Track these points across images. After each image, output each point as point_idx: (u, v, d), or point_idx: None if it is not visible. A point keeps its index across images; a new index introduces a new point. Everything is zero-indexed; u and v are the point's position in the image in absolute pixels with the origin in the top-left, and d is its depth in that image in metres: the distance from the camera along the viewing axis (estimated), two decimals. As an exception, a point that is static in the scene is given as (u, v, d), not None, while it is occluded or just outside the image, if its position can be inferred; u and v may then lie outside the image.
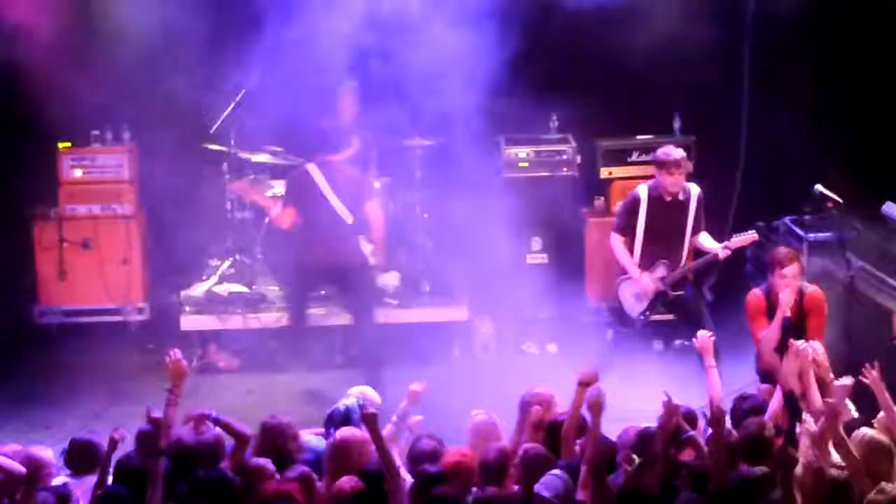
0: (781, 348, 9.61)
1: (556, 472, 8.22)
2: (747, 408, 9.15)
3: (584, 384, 8.68)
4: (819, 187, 11.73)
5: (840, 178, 12.08)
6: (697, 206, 11.74)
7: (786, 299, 10.42)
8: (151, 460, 8.30)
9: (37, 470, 8.57)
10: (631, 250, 11.81)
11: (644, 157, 13.45)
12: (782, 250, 10.74)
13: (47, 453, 8.82)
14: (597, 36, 12.89)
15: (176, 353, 8.82)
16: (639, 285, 11.74)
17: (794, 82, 13.46)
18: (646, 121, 13.63)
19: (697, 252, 11.89)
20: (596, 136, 13.61)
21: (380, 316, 12.57)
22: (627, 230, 11.81)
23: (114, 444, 8.49)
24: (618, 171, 13.53)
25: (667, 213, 11.69)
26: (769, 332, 10.41)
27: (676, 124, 13.56)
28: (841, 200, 11.64)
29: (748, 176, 13.79)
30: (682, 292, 11.71)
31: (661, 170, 11.65)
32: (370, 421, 8.28)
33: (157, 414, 8.49)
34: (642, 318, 11.84)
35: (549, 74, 13.10)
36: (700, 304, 11.92)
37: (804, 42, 13.45)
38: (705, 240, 11.76)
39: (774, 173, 13.38)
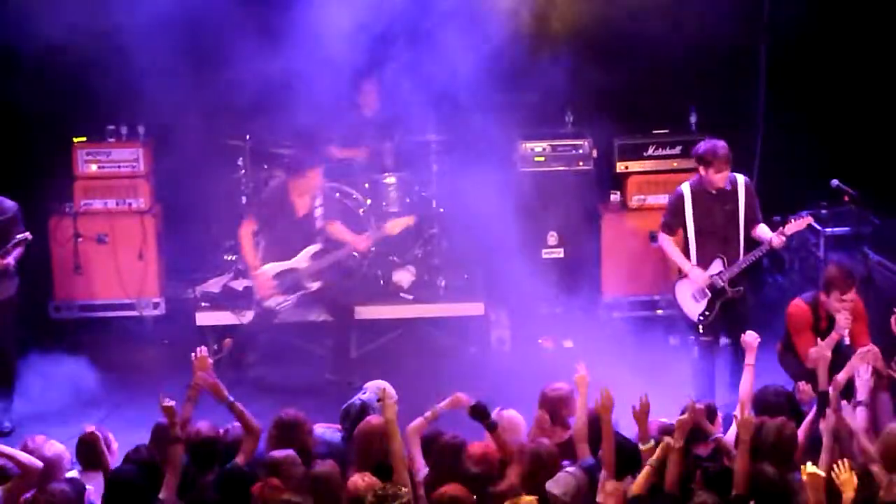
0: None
1: (571, 469, 8.19)
2: (773, 400, 9.09)
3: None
4: (836, 182, 11.68)
5: (856, 173, 12.05)
6: (747, 195, 11.23)
7: (843, 325, 10.18)
8: (169, 448, 8.33)
9: (51, 464, 8.60)
10: (687, 252, 11.30)
11: (660, 152, 13.43)
12: (840, 273, 10.36)
13: (59, 448, 8.83)
14: (614, 31, 12.88)
15: (202, 350, 8.95)
16: (692, 282, 11.23)
17: (810, 78, 13.43)
18: (662, 116, 13.58)
19: (754, 244, 11.41)
20: (612, 131, 13.56)
21: (395, 311, 12.60)
22: (676, 229, 11.35)
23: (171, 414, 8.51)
24: (634, 166, 13.49)
25: (716, 207, 11.22)
26: (821, 351, 9.97)
27: (692, 119, 13.52)
28: (857, 194, 11.59)
29: (764, 171, 13.76)
30: (740, 288, 11.18)
31: (710, 167, 11.12)
32: (389, 411, 8.29)
33: (170, 402, 8.50)
34: (702, 319, 11.21)
35: (566, 69, 13.04)
36: (748, 302, 11.45)
37: (820, 39, 13.41)
38: (763, 231, 11.23)
39: (790, 168, 13.36)
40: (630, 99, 13.46)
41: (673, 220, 11.34)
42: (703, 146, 11.24)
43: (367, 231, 12.59)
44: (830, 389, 8.66)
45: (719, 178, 11.14)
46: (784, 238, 11.04)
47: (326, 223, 12.32)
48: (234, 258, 13.55)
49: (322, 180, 12.35)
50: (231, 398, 8.71)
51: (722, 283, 11.12)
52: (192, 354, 8.96)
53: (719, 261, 11.17)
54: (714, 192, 11.20)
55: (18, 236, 11.35)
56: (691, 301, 11.24)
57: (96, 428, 9.05)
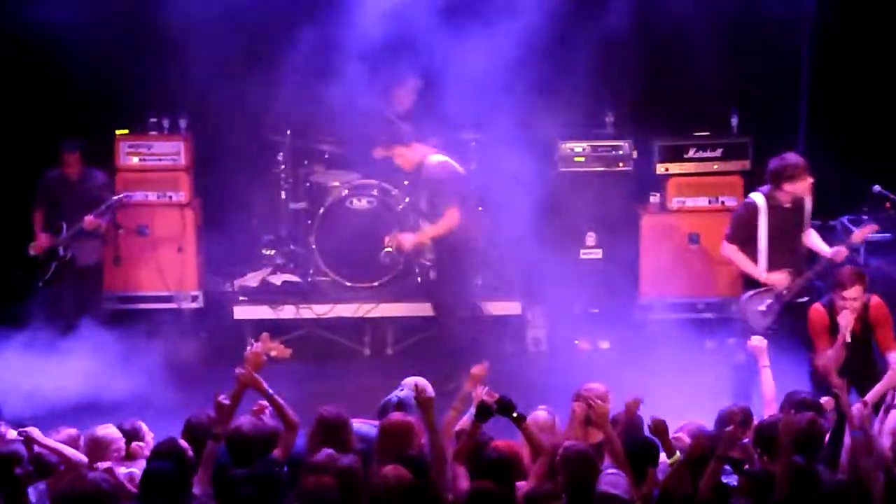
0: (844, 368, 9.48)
1: (613, 470, 8.18)
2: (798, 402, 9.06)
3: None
4: (877, 187, 11.61)
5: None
6: (811, 206, 11.15)
7: (844, 323, 10.11)
8: (209, 444, 8.37)
9: (103, 449, 8.64)
10: (755, 263, 11.12)
11: (701, 154, 13.38)
12: (845, 271, 10.30)
13: (111, 430, 8.87)
14: (656, 30, 12.84)
15: (258, 345, 8.96)
16: (766, 292, 11.02)
17: (853, 80, 13.35)
18: (703, 117, 13.53)
19: (810, 253, 11.28)
20: (653, 132, 13.52)
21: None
22: (745, 240, 11.16)
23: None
24: (674, 168, 13.44)
25: (787, 219, 11.10)
26: (832, 354, 10.05)
27: (734, 122, 13.47)
28: (900, 200, 11.53)
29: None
30: (807, 298, 10.95)
31: (794, 180, 10.95)
32: (426, 405, 8.30)
33: (226, 400, 8.55)
34: (770, 332, 10.86)
35: (608, 69, 13.02)
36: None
37: (863, 40, 13.33)
38: (815, 239, 11.15)
39: (832, 172, 13.26)
40: (671, 100, 13.41)
41: (743, 232, 11.18)
42: (779, 163, 11.09)
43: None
44: (859, 406, 8.60)
45: (804, 188, 11.03)
46: (848, 250, 10.94)
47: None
48: (272, 253, 13.59)
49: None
50: (271, 391, 8.74)
51: (790, 297, 11.02)
52: (248, 348, 8.97)
53: (787, 274, 11.03)
54: (788, 205, 11.10)
55: (114, 198, 12.72)
56: (759, 316, 11.10)
57: (132, 419, 9.10)
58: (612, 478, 8.05)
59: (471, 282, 12.70)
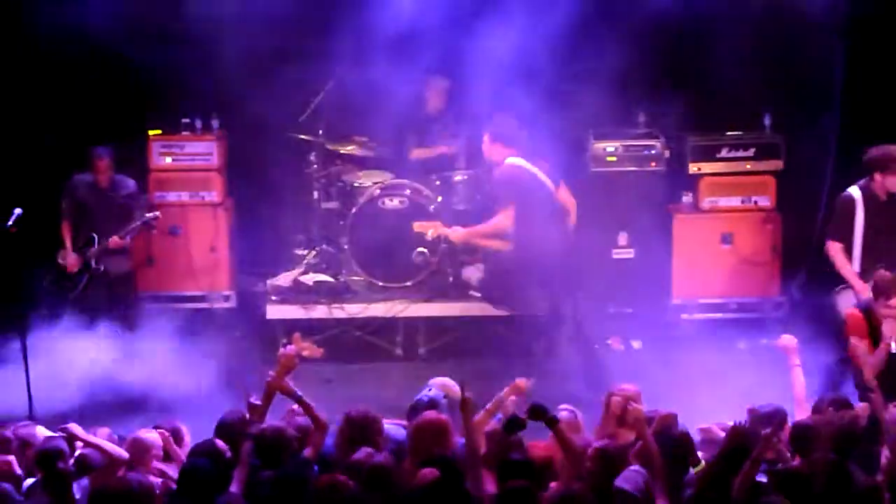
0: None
1: (635, 467, 8.16)
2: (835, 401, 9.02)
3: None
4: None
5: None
6: None
7: (889, 333, 9.94)
8: (244, 444, 8.44)
9: (143, 451, 8.69)
10: (849, 257, 11.03)
11: (733, 154, 13.34)
12: (886, 278, 10.13)
13: (152, 434, 8.91)
14: (688, 30, 12.81)
15: (291, 348, 9.02)
16: (860, 298, 10.77)
17: (889, 77, 13.27)
18: (736, 117, 13.49)
19: None
20: (685, 132, 13.48)
21: (464, 309, 12.62)
22: (844, 236, 11.06)
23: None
24: (707, 167, 13.40)
25: (885, 213, 11.00)
26: (873, 361, 9.84)
27: (767, 121, 13.42)
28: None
29: (840, 174, 13.60)
30: None
31: (887, 171, 10.88)
32: (468, 405, 8.30)
33: (257, 401, 8.64)
34: None
35: (639, 68, 12.99)
36: None
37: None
38: None
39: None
40: (703, 99, 13.37)
41: (842, 226, 11.08)
42: (875, 151, 11.02)
43: None
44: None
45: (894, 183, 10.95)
46: None
47: None
48: (304, 252, 13.62)
49: None
50: (299, 393, 8.76)
51: None
52: (281, 349, 9.02)
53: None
54: (885, 198, 11.02)
55: (148, 215, 12.58)
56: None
57: (169, 420, 9.14)
58: (629, 474, 8.05)
59: (523, 294, 12.36)
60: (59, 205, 12.68)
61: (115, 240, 12.46)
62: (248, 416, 8.66)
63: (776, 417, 8.68)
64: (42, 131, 13.22)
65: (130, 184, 12.73)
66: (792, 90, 13.39)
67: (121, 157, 12.92)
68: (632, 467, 8.18)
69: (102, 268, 12.54)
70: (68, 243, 12.59)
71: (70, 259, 12.52)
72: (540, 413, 8.37)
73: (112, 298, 12.69)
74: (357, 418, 8.72)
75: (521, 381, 8.94)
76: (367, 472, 8.06)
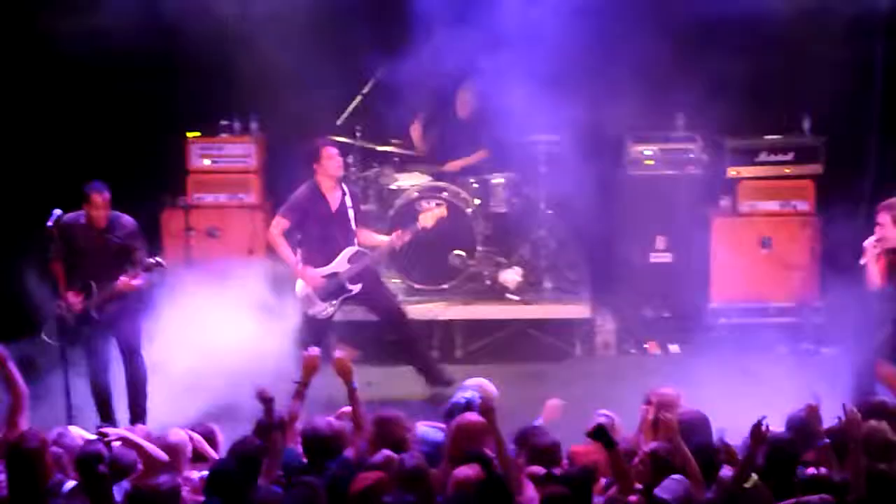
0: None
1: (677, 476, 8.13)
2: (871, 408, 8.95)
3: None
4: None
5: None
6: None
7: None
8: (271, 436, 8.51)
9: (176, 454, 8.73)
10: None
11: (772, 158, 13.29)
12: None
13: (182, 435, 8.94)
14: (727, 33, 12.76)
15: (313, 350, 9.10)
16: None
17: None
18: (775, 120, 13.44)
19: None
20: (723, 135, 13.43)
21: (501, 312, 12.62)
22: None
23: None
24: (745, 171, 13.35)
25: None
26: None
27: (806, 125, 13.36)
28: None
29: (879, 177, 13.54)
30: None
31: None
32: (489, 415, 8.30)
33: (269, 394, 8.68)
34: None
35: (678, 71, 12.95)
36: None
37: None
38: None
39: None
40: (742, 103, 13.31)
41: None
42: None
43: (404, 228, 12.19)
44: None
45: None
46: None
47: (357, 230, 12.04)
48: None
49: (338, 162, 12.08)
50: (355, 385, 8.86)
51: None
52: (303, 353, 9.06)
53: None
54: None
55: (151, 261, 11.03)
56: None
57: (201, 422, 9.17)
58: (669, 483, 8.02)
59: None
60: (48, 247, 10.97)
61: (124, 280, 10.90)
62: (267, 410, 8.70)
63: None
64: (79, 136, 13.27)
65: (128, 222, 11.15)
66: (831, 93, 13.30)
67: (161, 159, 12.95)
68: (673, 476, 8.15)
69: (104, 318, 11.08)
70: (63, 289, 11.02)
71: (71, 302, 10.99)
72: (601, 435, 8.31)
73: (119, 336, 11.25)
74: (386, 420, 8.73)
75: (551, 404, 8.95)
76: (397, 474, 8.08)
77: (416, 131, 13.62)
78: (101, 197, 10.98)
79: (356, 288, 11.96)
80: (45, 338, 11.09)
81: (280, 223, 11.97)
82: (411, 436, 8.78)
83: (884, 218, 10.42)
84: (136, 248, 11.08)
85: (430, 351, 12.72)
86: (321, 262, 11.92)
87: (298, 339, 11.58)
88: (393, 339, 12.34)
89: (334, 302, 11.95)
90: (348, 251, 11.96)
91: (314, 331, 11.84)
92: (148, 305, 11.38)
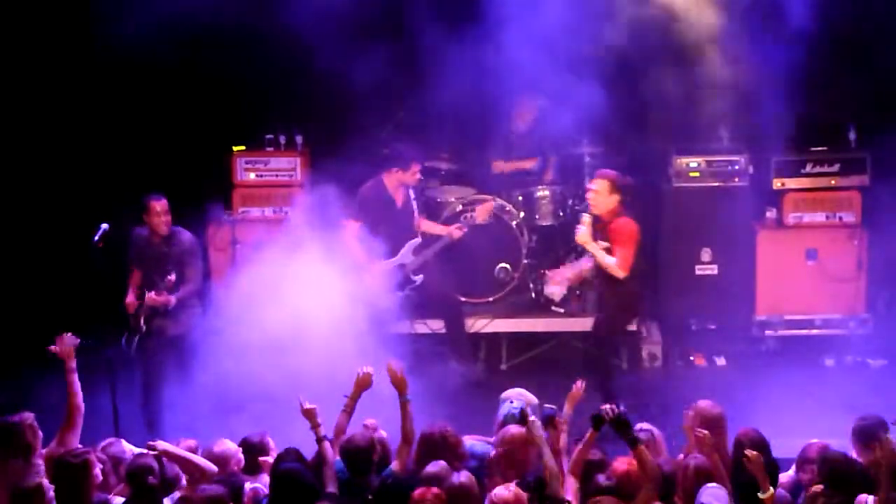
0: None
1: (714, 485, 8.13)
2: None
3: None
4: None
5: None
6: None
7: None
8: (319, 446, 8.66)
9: (222, 464, 8.79)
10: None
11: (818, 169, 13.25)
12: None
13: (228, 445, 9.01)
14: (771, 44, 12.73)
15: (367, 369, 9.17)
16: None
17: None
18: (820, 132, 13.39)
19: None
20: (769, 147, 13.39)
21: (546, 324, 12.66)
22: None
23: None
24: (791, 183, 13.31)
25: None
26: None
27: (851, 136, 13.31)
28: None
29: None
30: None
31: None
32: (532, 428, 8.33)
33: (310, 405, 8.81)
34: None
35: (722, 83, 12.92)
36: None
37: None
38: None
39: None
40: (788, 115, 13.26)
41: None
42: None
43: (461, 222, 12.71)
44: None
45: None
46: None
47: (418, 220, 12.56)
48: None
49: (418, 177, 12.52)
50: (408, 397, 8.94)
51: None
52: (358, 372, 9.13)
53: None
54: None
55: (190, 287, 11.44)
56: None
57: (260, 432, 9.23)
58: (713, 490, 8.01)
59: None
60: (93, 261, 11.07)
61: (150, 296, 11.28)
62: (312, 423, 8.80)
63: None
64: (127, 150, 13.36)
65: (187, 238, 11.65)
66: (877, 103, 13.26)
67: (207, 173, 13.02)
68: (711, 485, 8.15)
69: (145, 328, 11.37)
70: (130, 295, 11.50)
71: (129, 302, 11.45)
72: (623, 427, 8.31)
73: (167, 360, 11.47)
74: (432, 435, 8.76)
75: (574, 391, 9.10)
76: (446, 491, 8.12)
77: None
78: (159, 204, 11.46)
79: (419, 279, 12.36)
80: (125, 347, 11.37)
81: (352, 227, 12.22)
82: (461, 450, 8.79)
83: None
84: (188, 263, 11.48)
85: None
86: (388, 256, 12.30)
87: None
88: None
89: (400, 293, 12.22)
90: (412, 243, 12.39)
91: (383, 323, 11.93)
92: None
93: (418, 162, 12.44)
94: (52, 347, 9.34)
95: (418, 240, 12.44)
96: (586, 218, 11.29)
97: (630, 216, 11.26)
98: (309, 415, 8.78)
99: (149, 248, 11.56)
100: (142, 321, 11.39)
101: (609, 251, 11.14)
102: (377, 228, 12.27)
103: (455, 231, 12.52)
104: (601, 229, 11.23)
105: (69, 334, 9.37)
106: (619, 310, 11.44)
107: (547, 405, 9.01)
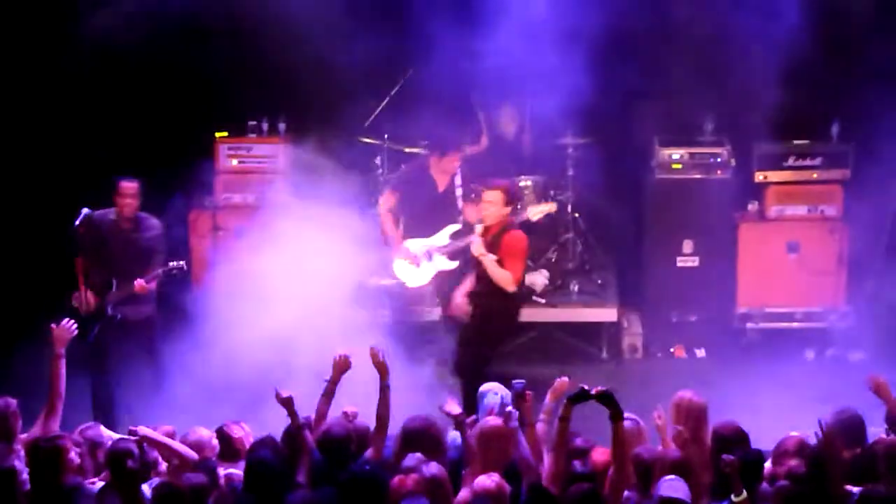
0: None
1: (672, 477, 8.13)
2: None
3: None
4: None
5: None
6: None
7: None
8: (297, 436, 8.62)
9: (198, 451, 8.79)
10: None
11: (800, 162, 13.27)
12: None
13: (202, 433, 9.04)
14: (756, 39, 12.74)
15: (346, 353, 9.15)
16: None
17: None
18: (803, 125, 13.41)
19: None
20: (751, 140, 13.41)
21: (528, 314, 12.66)
22: None
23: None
24: (773, 176, 13.33)
25: None
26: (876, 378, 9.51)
27: (834, 130, 13.33)
28: None
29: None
30: None
31: None
32: (509, 420, 8.35)
33: (287, 393, 8.72)
34: None
35: (706, 75, 12.94)
36: None
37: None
38: None
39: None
40: (771, 107, 13.28)
41: None
42: None
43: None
44: None
45: None
46: None
47: (463, 205, 12.32)
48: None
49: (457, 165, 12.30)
50: (388, 383, 8.96)
51: None
52: (336, 356, 9.12)
53: None
54: None
55: (172, 264, 11.39)
56: None
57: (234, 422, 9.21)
58: (672, 483, 8.02)
59: None
60: (75, 237, 11.10)
61: (140, 283, 11.25)
62: (289, 411, 8.76)
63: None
64: (109, 135, 13.32)
65: (155, 224, 11.60)
66: (859, 99, 13.27)
67: (190, 159, 12.99)
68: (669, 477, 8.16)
69: (119, 316, 11.33)
70: (82, 283, 11.21)
71: (86, 297, 11.19)
72: (607, 399, 8.29)
73: (131, 347, 11.56)
74: (413, 429, 8.75)
75: (558, 384, 9.04)
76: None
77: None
78: (129, 185, 11.39)
79: (452, 264, 11.98)
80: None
81: (388, 199, 12.26)
82: (443, 446, 8.78)
83: None
84: (158, 251, 11.46)
85: None
86: (422, 237, 12.09)
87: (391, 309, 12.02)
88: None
89: (429, 274, 12.05)
90: (451, 227, 12.05)
91: (404, 301, 12.12)
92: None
93: (456, 151, 12.19)
94: (54, 327, 9.36)
95: (458, 226, 12.11)
96: (479, 229, 11.09)
97: (519, 227, 11.09)
98: (286, 403, 8.74)
99: (116, 234, 11.43)
100: (109, 309, 11.28)
101: (500, 263, 10.93)
102: (413, 206, 12.18)
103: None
104: (492, 241, 11.00)
105: (70, 322, 9.41)
106: (501, 322, 11.23)
107: (516, 380, 9.00)
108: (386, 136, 13.51)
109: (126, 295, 11.32)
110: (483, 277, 11.05)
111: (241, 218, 13.33)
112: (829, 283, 13.16)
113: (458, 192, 12.32)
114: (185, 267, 11.47)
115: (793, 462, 8.35)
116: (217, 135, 13.66)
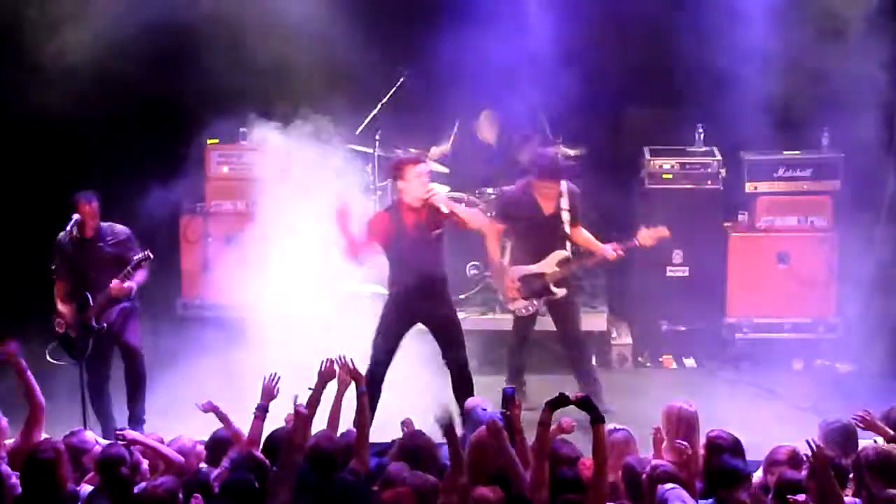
0: None
1: (672, 485, 8.14)
2: None
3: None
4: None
5: None
6: None
7: None
8: (293, 455, 8.49)
9: (185, 458, 8.78)
10: None
11: (790, 173, 13.29)
12: None
13: (186, 442, 9.03)
14: (746, 48, 12.77)
15: (331, 360, 9.16)
16: None
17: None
18: (793, 136, 13.43)
19: None
20: (742, 150, 13.44)
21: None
22: None
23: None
24: (763, 187, 13.35)
25: None
26: None
27: (824, 140, 13.36)
28: None
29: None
30: None
31: None
32: (498, 433, 8.35)
33: (305, 410, 8.68)
34: None
35: (697, 86, 12.95)
36: None
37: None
38: None
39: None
40: (761, 118, 13.30)
41: None
42: None
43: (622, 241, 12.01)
44: None
45: None
46: None
47: (571, 229, 11.89)
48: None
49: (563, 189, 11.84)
50: (363, 389, 9.00)
51: None
52: (322, 363, 9.14)
53: None
54: None
55: (138, 255, 11.15)
56: None
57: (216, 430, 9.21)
58: (676, 491, 8.02)
59: None
60: (49, 267, 11.26)
61: (115, 284, 11.06)
62: (302, 428, 8.70)
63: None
64: (98, 142, 13.31)
65: (120, 230, 11.30)
66: (850, 109, 13.29)
67: (182, 165, 12.99)
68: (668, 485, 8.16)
69: (105, 325, 11.18)
70: (60, 307, 11.21)
71: (63, 316, 11.16)
72: (586, 404, 8.28)
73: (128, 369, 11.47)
74: (411, 448, 8.75)
75: (565, 423, 9.00)
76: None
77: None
78: (88, 206, 11.05)
79: (560, 292, 11.83)
80: (50, 359, 11.19)
81: (495, 225, 11.89)
82: (439, 462, 8.78)
83: None
84: (129, 255, 11.20)
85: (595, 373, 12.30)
86: (528, 262, 11.84)
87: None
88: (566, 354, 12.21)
89: (535, 302, 11.88)
90: (558, 254, 11.83)
91: (516, 328, 11.97)
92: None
93: (551, 178, 11.68)
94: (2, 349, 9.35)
95: (567, 252, 11.88)
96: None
97: None
98: (302, 419, 8.62)
99: (80, 249, 11.08)
100: (93, 323, 11.14)
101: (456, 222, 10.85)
102: (518, 230, 11.90)
103: (610, 252, 11.81)
104: (430, 216, 10.84)
105: (10, 340, 9.36)
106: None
107: (506, 385, 8.99)
108: (376, 144, 13.49)
109: (105, 302, 11.16)
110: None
111: (232, 225, 13.36)
112: (819, 295, 13.17)
113: (565, 216, 11.81)
114: (150, 255, 11.16)
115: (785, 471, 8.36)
116: (208, 141, 13.65)
